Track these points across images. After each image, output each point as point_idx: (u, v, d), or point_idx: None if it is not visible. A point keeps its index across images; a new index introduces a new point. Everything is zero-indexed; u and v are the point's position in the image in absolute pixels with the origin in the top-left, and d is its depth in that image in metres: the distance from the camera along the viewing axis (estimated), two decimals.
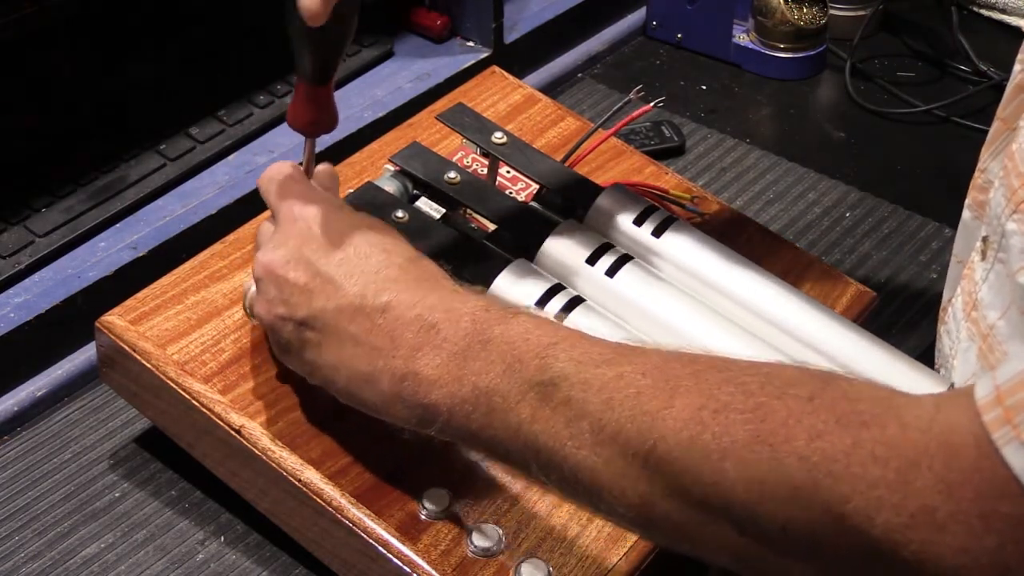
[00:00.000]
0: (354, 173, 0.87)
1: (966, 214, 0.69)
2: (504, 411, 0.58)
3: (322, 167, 0.74)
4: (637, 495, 0.53)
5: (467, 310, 0.61)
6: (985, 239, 0.63)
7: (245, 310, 0.75)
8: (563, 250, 0.76)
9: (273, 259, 0.66)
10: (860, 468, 0.46)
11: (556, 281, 0.73)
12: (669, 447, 0.51)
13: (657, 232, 0.80)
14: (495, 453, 0.60)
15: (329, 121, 0.71)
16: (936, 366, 0.71)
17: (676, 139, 1.10)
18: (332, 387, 0.66)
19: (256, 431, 0.71)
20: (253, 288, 0.70)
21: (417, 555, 0.67)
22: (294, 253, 0.66)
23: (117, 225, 0.93)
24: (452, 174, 0.82)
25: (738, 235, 0.87)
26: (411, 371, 0.61)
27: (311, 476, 0.69)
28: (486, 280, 0.73)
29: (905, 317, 0.95)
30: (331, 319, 0.64)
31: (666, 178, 0.92)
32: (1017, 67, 0.66)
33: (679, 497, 0.51)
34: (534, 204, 0.83)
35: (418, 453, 0.72)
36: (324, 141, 0.99)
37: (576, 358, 0.56)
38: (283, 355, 0.69)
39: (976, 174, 0.69)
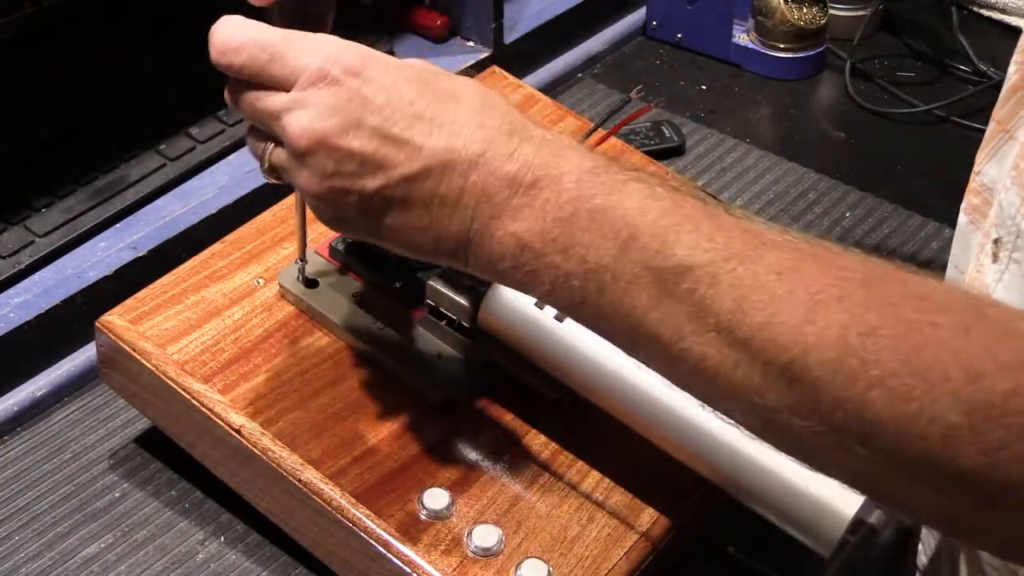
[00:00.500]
0: None
1: (962, 219, 0.68)
2: (616, 292, 0.53)
3: None
4: (764, 405, 0.50)
5: (569, 169, 0.55)
6: (997, 241, 0.62)
7: (261, 167, 0.62)
8: None
9: (327, 129, 0.57)
10: (1019, 417, 0.45)
11: None
12: (809, 365, 0.48)
13: None
14: (598, 329, 0.56)
15: None
16: None
17: (676, 139, 1.10)
18: (410, 250, 0.59)
19: (256, 431, 0.71)
20: (271, 147, 0.60)
21: (417, 555, 0.67)
22: (352, 119, 0.57)
23: (117, 225, 0.93)
24: None
25: None
26: (510, 234, 0.55)
27: (311, 476, 0.69)
28: (486, 282, 0.73)
29: None
30: (416, 183, 0.56)
31: (665, 178, 0.92)
32: (1012, 67, 0.66)
33: (813, 417, 0.49)
34: None
35: (418, 453, 0.72)
36: None
37: (701, 245, 0.52)
38: (337, 226, 0.61)
39: (972, 177, 0.69)
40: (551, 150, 0.56)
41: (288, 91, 0.59)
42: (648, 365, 0.56)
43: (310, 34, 0.60)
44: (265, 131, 0.61)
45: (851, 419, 0.48)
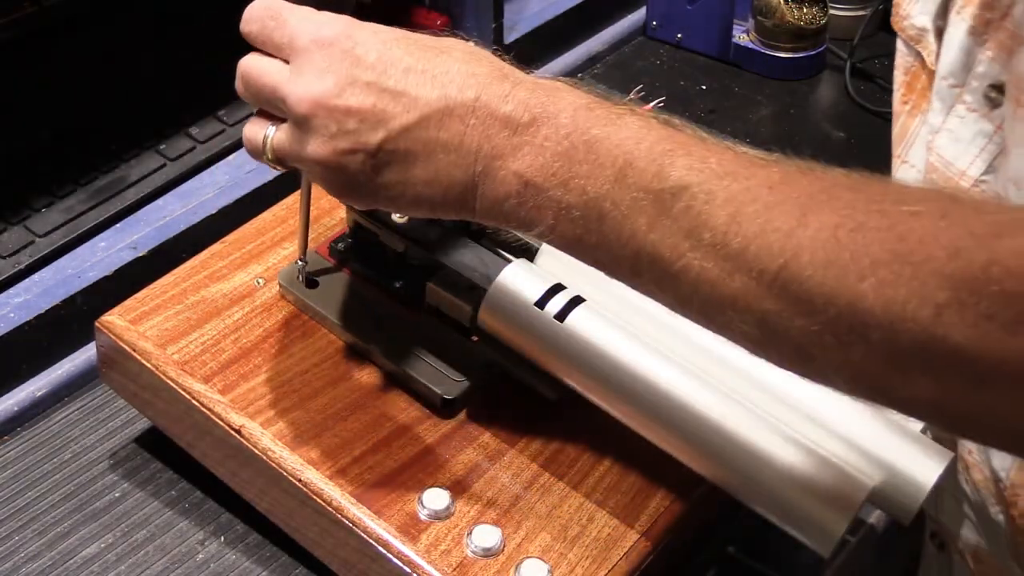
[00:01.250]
0: None
1: None
2: (616, 219, 0.55)
3: None
4: (761, 311, 0.51)
5: (565, 106, 0.57)
6: None
7: (263, 157, 0.64)
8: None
9: (322, 90, 0.59)
10: (999, 284, 0.46)
11: (557, 281, 0.73)
12: (802, 266, 0.50)
13: None
14: (600, 261, 0.58)
15: None
16: None
17: None
18: (419, 206, 0.61)
19: (256, 431, 0.71)
20: (271, 130, 0.63)
21: (417, 555, 0.67)
22: (346, 78, 0.59)
23: (117, 225, 0.93)
24: None
25: None
26: (512, 173, 0.57)
27: (311, 476, 0.69)
28: (486, 280, 0.73)
29: None
30: (416, 132, 0.58)
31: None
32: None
33: (809, 316, 0.50)
34: None
35: (418, 453, 0.72)
36: None
37: (696, 167, 0.54)
38: (348, 192, 0.62)
39: None
40: (544, 91, 0.58)
41: (288, 62, 0.62)
42: (650, 291, 0.57)
43: (314, 9, 0.63)
44: (269, 110, 0.63)
45: (845, 313, 0.49)
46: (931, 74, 0.71)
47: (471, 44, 0.61)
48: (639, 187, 0.54)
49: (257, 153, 0.64)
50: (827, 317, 0.50)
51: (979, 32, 0.65)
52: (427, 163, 0.59)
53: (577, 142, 0.56)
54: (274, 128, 0.63)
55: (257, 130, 0.64)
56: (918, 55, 0.73)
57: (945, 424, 0.53)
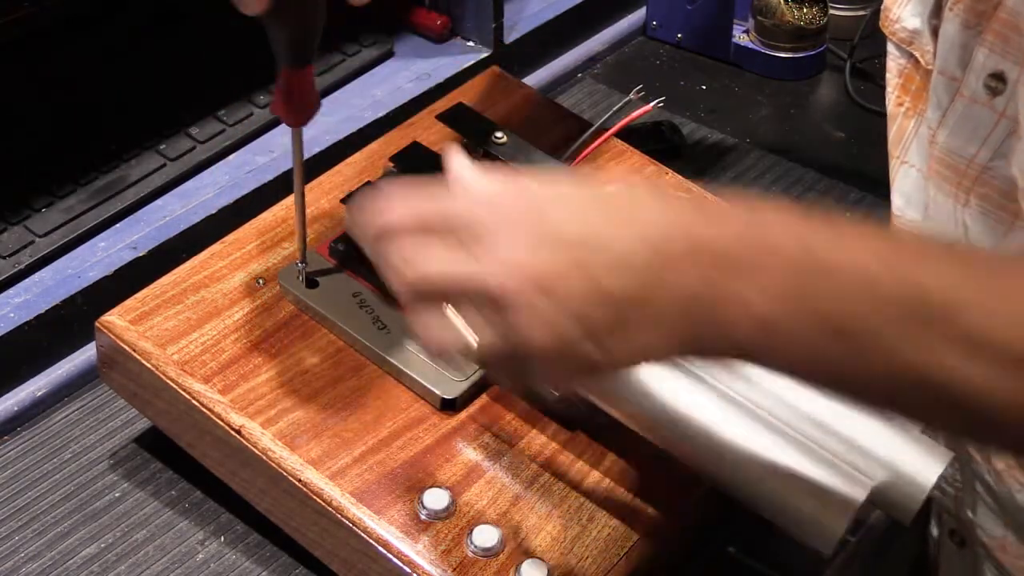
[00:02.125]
0: (354, 173, 0.87)
1: None
2: (871, 341, 0.49)
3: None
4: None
5: (780, 232, 0.51)
6: None
7: (464, 357, 0.56)
8: None
9: (535, 264, 0.52)
10: None
11: None
12: None
13: None
14: (846, 388, 0.52)
15: (312, 107, 0.70)
16: None
17: (676, 139, 1.10)
18: (637, 362, 0.54)
19: (256, 431, 0.71)
20: (470, 337, 0.54)
21: (417, 555, 0.67)
22: (556, 250, 0.52)
23: (117, 225, 0.93)
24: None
25: None
26: (744, 315, 0.50)
27: (311, 476, 0.69)
28: None
29: None
30: (631, 292, 0.51)
31: (666, 178, 0.92)
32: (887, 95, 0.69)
33: None
34: None
35: (418, 453, 0.72)
36: (325, 141, 1.00)
37: (947, 272, 0.49)
38: (575, 377, 0.57)
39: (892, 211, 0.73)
40: (756, 221, 0.53)
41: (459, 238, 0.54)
42: (916, 417, 0.54)
43: (479, 177, 0.56)
44: (455, 304, 0.55)
45: None
46: (926, 74, 0.71)
47: (655, 192, 0.55)
48: (889, 301, 0.49)
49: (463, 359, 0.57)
50: None
51: (972, 25, 0.66)
52: (645, 324, 0.52)
53: (809, 270, 0.50)
54: (470, 333, 0.54)
55: (454, 337, 0.55)
56: (911, 57, 0.73)
57: None
